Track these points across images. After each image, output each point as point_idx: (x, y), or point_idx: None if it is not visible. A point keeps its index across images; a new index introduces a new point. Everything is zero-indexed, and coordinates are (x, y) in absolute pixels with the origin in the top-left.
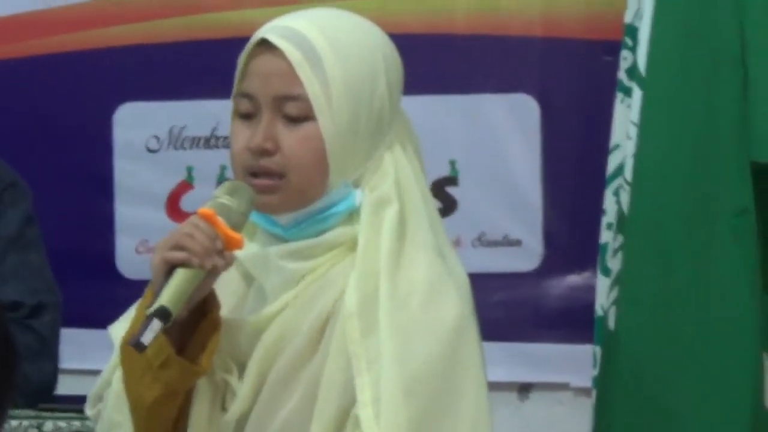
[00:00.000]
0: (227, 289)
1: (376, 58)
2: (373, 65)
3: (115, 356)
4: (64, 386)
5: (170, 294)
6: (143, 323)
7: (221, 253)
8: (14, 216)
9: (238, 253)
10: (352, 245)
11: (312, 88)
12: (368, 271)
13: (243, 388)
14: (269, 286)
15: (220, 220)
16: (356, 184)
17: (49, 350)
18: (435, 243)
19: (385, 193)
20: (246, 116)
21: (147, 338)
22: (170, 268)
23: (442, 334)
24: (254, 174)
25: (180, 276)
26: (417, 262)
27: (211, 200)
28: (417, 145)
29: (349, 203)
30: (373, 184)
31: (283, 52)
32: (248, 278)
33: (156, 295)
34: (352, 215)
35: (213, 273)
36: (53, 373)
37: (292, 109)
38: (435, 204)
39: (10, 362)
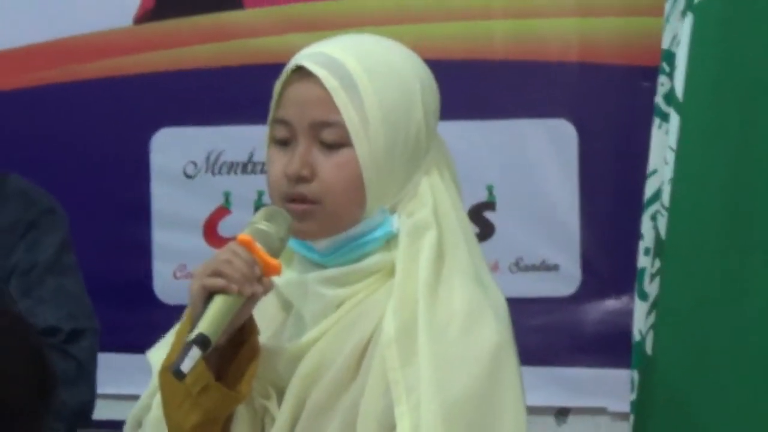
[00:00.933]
0: (265, 315)
1: (413, 83)
2: (409, 91)
3: (154, 381)
4: (102, 411)
5: (209, 321)
6: (182, 351)
7: (260, 279)
8: (51, 242)
9: (276, 279)
10: (389, 272)
11: (348, 114)
12: (406, 298)
13: (282, 415)
14: (308, 313)
15: (259, 246)
16: (393, 210)
17: (86, 375)
18: (473, 269)
19: (423, 219)
20: (282, 143)
21: (186, 366)
22: (209, 295)
23: (480, 362)
24: (291, 200)
25: (219, 303)
26: (455, 288)
27: (248, 226)
28: (454, 169)
29: (386, 229)
30: (411, 209)
31: (319, 78)
32: (286, 305)
33: (195, 322)
34: (390, 241)
35: (252, 299)
36: (91, 398)
37: (328, 135)
38: (473, 229)
39: (47, 387)
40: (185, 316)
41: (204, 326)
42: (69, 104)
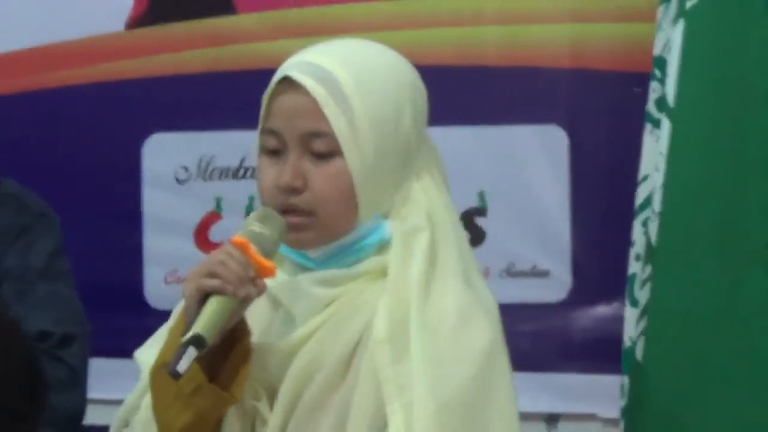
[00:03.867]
0: (254, 315)
1: (401, 88)
2: (398, 96)
3: (143, 381)
4: (93, 416)
5: (205, 322)
6: (178, 351)
7: (254, 280)
8: (44, 247)
9: (266, 280)
10: (381, 272)
11: (338, 124)
12: (399, 297)
13: (273, 416)
14: (297, 311)
15: (253, 248)
16: (386, 215)
17: (77, 380)
18: (465, 271)
19: (417, 222)
20: (273, 152)
21: (183, 366)
22: (204, 296)
23: (473, 360)
24: (284, 211)
25: (214, 304)
26: (447, 289)
27: (243, 228)
28: (444, 172)
29: (379, 235)
30: (404, 214)
31: (306, 89)
32: (274, 304)
33: (189, 322)
34: (383, 247)
35: (245, 301)
36: (82, 403)
37: (319, 145)
38: (464, 232)
39: (39, 392)
40: (176, 316)
41: (200, 327)
42: (61, 109)
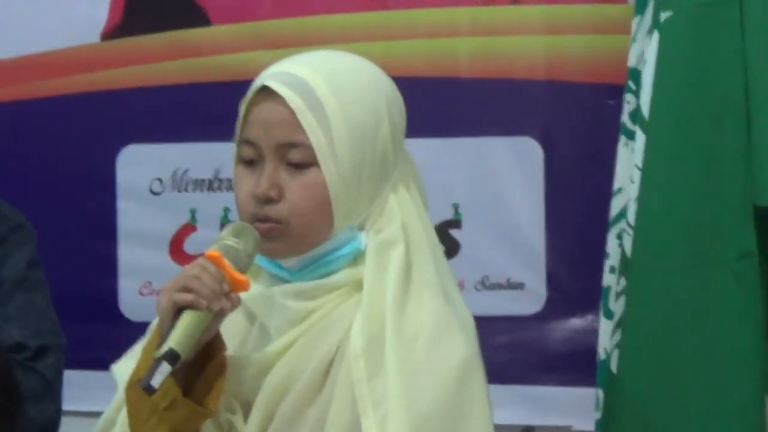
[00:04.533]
0: (229, 329)
1: (379, 100)
2: (375, 108)
3: (119, 395)
4: (67, 428)
5: (178, 336)
6: (152, 366)
7: (228, 295)
8: (19, 258)
9: (242, 293)
10: (357, 286)
11: (314, 135)
12: (374, 312)
13: (248, 429)
14: (273, 325)
15: (227, 262)
16: (361, 227)
17: (52, 392)
18: (440, 284)
19: (391, 234)
20: (249, 162)
21: (156, 381)
22: (178, 310)
23: (448, 374)
24: (258, 220)
25: (188, 318)
26: (423, 303)
27: (217, 242)
28: (421, 185)
29: (354, 246)
30: (379, 226)
31: (284, 99)
32: (251, 317)
33: (164, 337)
34: (358, 258)
35: (220, 315)
36: (56, 414)
37: (295, 155)
38: (440, 245)
39: (13, 404)
40: (152, 330)
41: (173, 341)
42: (36, 120)
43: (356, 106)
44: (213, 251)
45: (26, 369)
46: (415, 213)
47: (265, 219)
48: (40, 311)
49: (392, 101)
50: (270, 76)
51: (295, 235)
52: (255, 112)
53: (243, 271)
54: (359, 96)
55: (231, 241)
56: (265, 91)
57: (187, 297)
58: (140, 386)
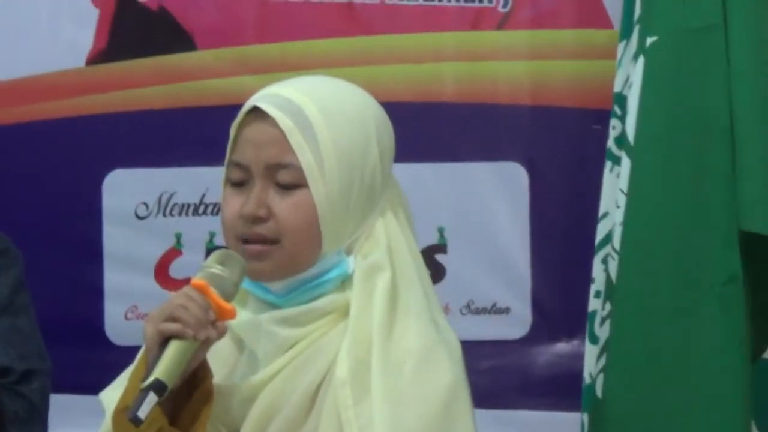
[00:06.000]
0: (219, 356)
1: (368, 126)
2: (364, 133)
3: (106, 424)
4: None
5: (165, 366)
6: (139, 397)
7: (214, 323)
8: (5, 282)
9: (229, 320)
10: (344, 312)
11: (304, 156)
12: (360, 338)
13: None
14: (261, 352)
15: (213, 291)
16: (348, 251)
17: (38, 416)
18: (427, 309)
19: (378, 260)
20: (238, 184)
21: (143, 412)
22: (164, 340)
23: (434, 401)
24: (246, 241)
25: (174, 348)
26: (409, 329)
27: (202, 270)
28: (408, 211)
29: (341, 270)
30: (366, 251)
31: (274, 120)
32: (240, 345)
33: (150, 367)
34: (345, 282)
35: (206, 344)
36: None
37: (284, 176)
38: (426, 270)
39: None
40: (139, 359)
41: (160, 371)
42: (21, 144)
43: (346, 129)
44: (199, 280)
45: (12, 393)
46: (402, 238)
47: (254, 238)
48: (25, 335)
49: (382, 127)
50: (261, 98)
51: (284, 255)
52: (245, 132)
53: (229, 299)
54: (349, 120)
55: (217, 269)
56: (256, 113)
57: (174, 327)
58: (127, 417)
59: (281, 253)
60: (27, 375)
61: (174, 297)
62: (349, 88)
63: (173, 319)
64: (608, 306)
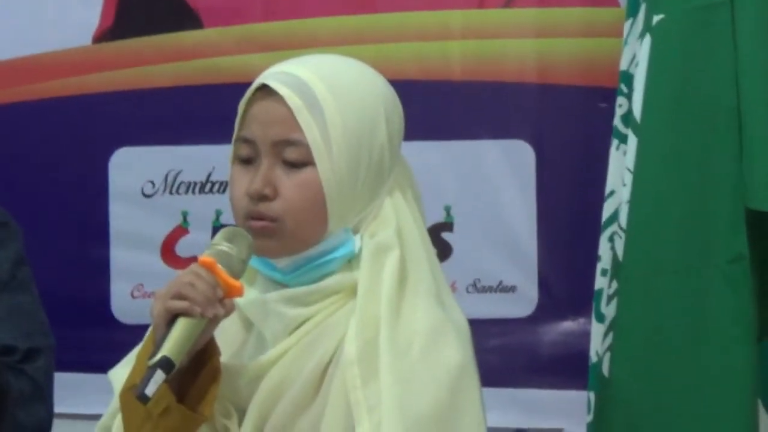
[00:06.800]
0: (227, 334)
1: (377, 105)
2: (373, 112)
3: (115, 402)
4: (60, 430)
5: (172, 344)
6: (147, 374)
7: (222, 301)
8: (5, 257)
9: (237, 299)
10: (351, 291)
11: (311, 133)
12: (368, 317)
13: None
14: (269, 332)
15: (221, 268)
16: (356, 230)
17: (43, 395)
18: (436, 289)
19: (386, 239)
20: (246, 161)
21: (151, 390)
22: (172, 317)
23: (442, 380)
24: (252, 218)
25: (182, 325)
26: (417, 308)
27: (210, 248)
28: (417, 190)
29: (348, 249)
30: (373, 230)
31: (282, 97)
32: (248, 324)
33: (158, 344)
34: (352, 261)
35: (214, 321)
36: (48, 417)
37: (291, 154)
38: (434, 250)
39: (2, 406)
40: (147, 337)
41: (167, 349)
42: (28, 123)
43: (354, 107)
44: (206, 257)
45: (16, 372)
46: (410, 218)
47: (259, 216)
48: (28, 312)
49: (391, 106)
50: (270, 76)
51: (289, 233)
52: (253, 110)
53: (237, 276)
54: (358, 98)
55: (224, 247)
56: (264, 90)
57: (181, 304)
58: (135, 394)
59: (286, 231)
60: (31, 353)
61: (181, 274)
62: (359, 66)
63: (181, 296)
64: (615, 284)
